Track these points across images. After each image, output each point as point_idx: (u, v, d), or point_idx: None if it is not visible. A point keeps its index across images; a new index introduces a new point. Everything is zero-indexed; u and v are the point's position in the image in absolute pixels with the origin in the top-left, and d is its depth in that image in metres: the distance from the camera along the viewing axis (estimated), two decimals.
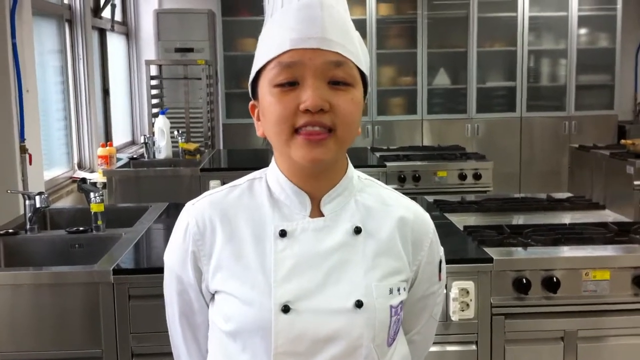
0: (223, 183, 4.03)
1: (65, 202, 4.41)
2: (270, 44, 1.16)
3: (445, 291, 1.92)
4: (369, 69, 1.23)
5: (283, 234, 1.19)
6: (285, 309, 1.15)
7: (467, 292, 2.28)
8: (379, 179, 1.35)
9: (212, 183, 4.18)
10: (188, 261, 1.24)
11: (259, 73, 1.19)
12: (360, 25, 6.48)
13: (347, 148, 1.22)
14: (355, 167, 1.30)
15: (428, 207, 3.14)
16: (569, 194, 3.47)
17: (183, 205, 1.30)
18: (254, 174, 1.30)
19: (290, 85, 1.13)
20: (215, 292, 1.23)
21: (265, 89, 1.17)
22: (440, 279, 1.35)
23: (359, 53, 1.19)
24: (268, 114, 1.16)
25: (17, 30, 3.47)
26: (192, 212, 1.26)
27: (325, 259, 1.19)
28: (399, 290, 1.23)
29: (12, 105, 3.44)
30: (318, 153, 1.14)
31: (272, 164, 1.27)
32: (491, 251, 2.37)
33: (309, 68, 1.12)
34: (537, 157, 7.00)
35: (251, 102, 1.25)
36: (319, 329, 1.16)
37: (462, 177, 4.60)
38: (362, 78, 1.20)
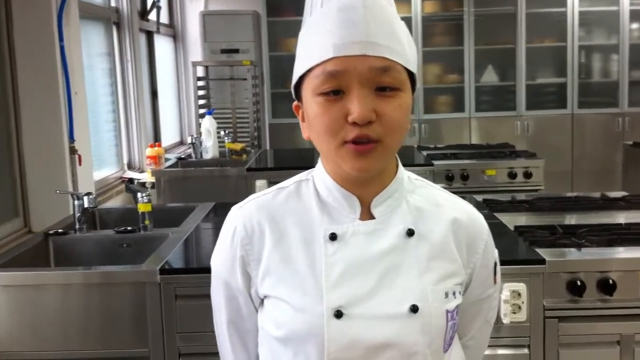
0: (269, 183, 4.03)
1: (116, 202, 4.46)
2: (312, 48, 1.11)
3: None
4: (416, 65, 1.17)
5: (333, 237, 1.16)
6: (338, 314, 1.11)
7: (519, 295, 2.21)
8: (426, 178, 1.31)
9: (258, 183, 4.17)
10: (237, 266, 1.21)
11: (302, 76, 1.15)
12: (406, 23, 6.30)
13: (395, 153, 1.18)
14: (403, 166, 1.26)
15: (477, 207, 3.05)
16: (624, 193, 3.37)
17: (229, 205, 1.28)
18: (300, 175, 1.27)
19: (335, 93, 1.09)
20: (265, 297, 1.20)
21: (309, 95, 1.13)
22: (495, 282, 1.30)
23: (407, 52, 1.13)
24: (315, 124, 1.13)
25: (65, 33, 3.51)
26: (239, 215, 1.23)
27: (377, 262, 1.15)
28: (454, 294, 1.18)
29: (61, 107, 3.48)
30: (365, 163, 1.10)
31: (319, 165, 1.23)
32: (543, 252, 2.30)
33: (354, 76, 1.08)
34: (589, 155, 6.83)
35: (295, 103, 1.22)
36: (373, 335, 1.12)
37: (512, 175, 4.51)
38: (410, 76, 1.15)
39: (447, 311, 1.16)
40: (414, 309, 1.12)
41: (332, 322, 1.11)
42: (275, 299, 1.17)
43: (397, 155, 1.22)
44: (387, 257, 1.16)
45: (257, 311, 1.24)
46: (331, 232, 1.16)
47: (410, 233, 1.18)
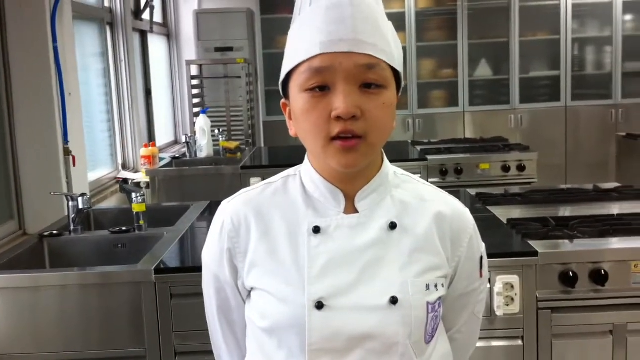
0: (264, 180, 4.04)
1: (111, 202, 4.46)
2: (300, 45, 1.14)
3: (488, 287, 1.88)
4: (402, 64, 1.20)
5: (317, 230, 1.19)
6: (319, 306, 1.14)
7: (512, 287, 2.23)
8: (420, 173, 1.33)
9: (253, 180, 4.18)
10: (224, 259, 1.25)
11: (289, 73, 1.18)
12: (399, 19, 6.41)
13: (380, 149, 1.20)
14: (396, 161, 1.28)
15: (470, 200, 3.10)
16: (617, 184, 3.38)
17: None
18: (288, 171, 1.30)
19: (321, 89, 1.11)
20: (252, 288, 1.23)
21: (296, 91, 1.16)
22: (481, 276, 1.32)
23: (392, 50, 1.16)
24: (301, 120, 1.16)
25: (58, 34, 3.51)
26: (228, 210, 1.26)
27: (359, 255, 1.18)
28: (436, 286, 1.20)
29: (55, 108, 3.48)
30: (351, 159, 1.13)
31: (306, 161, 1.26)
32: (536, 244, 2.32)
33: (340, 72, 1.10)
34: (583, 147, 6.85)
35: (282, 101, 1.25)
36: (354, 326, 1.14)
37: (506, 169, 4.52)
38: (396, 74, 1.17)
39: (428, 303, 1.18)
40: (394, 300, 1.14)
41: (314, 313, 1.14)
42: (261, 291, 1.20)
43: (382, 150, 1.24)
44: (369, 250, 1.18)
45: (245, 303, 1.27)
46: (315, 225, 1.19)
47: (392, 226, 1.20)
